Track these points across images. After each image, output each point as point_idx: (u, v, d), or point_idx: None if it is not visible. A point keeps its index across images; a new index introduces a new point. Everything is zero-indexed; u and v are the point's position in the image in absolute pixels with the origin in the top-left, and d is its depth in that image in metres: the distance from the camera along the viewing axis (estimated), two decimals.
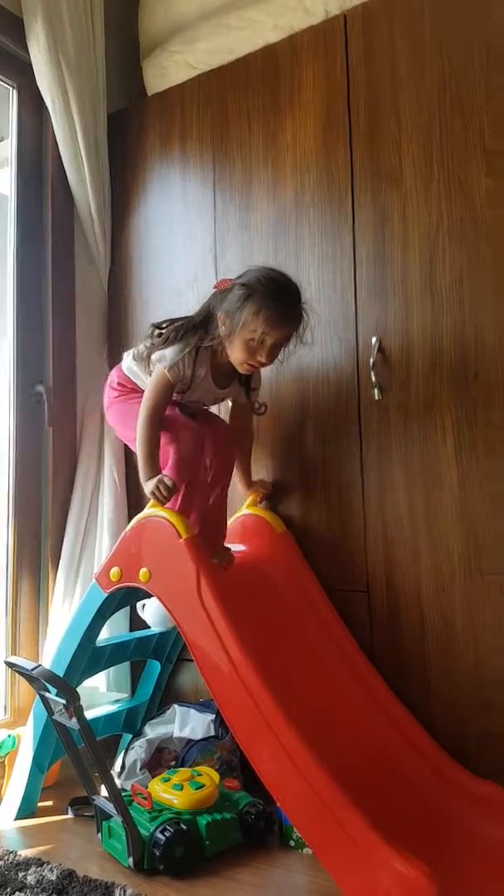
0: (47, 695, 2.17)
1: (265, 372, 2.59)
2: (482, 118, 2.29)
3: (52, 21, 2.86)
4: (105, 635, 2.60)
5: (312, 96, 2.64)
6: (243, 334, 2.23)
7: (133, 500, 2.93)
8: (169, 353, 2.32)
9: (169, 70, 3.07)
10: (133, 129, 3.17)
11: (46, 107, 2.95)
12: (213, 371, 2.38)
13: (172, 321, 2.40)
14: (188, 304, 2.88)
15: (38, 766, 2.41)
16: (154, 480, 2.28)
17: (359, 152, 2.52)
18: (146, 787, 2.13)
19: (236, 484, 2.62)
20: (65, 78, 2.90)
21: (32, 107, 3.02)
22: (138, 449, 2.34)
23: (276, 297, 2.23)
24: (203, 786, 2.11)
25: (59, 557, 2.86)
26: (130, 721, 2.71)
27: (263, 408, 2.56)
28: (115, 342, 3.15)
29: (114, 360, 3.10)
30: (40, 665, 2.15)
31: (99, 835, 2.13)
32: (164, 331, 2.37)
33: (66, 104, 2.92)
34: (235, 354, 2.29)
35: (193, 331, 2.34)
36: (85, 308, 3.13)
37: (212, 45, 2.94)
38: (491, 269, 2.26)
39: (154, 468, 2.32)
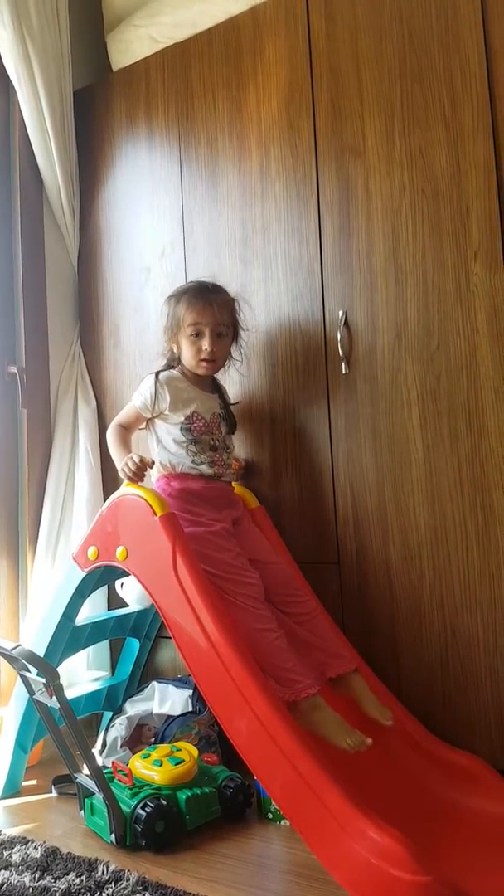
0: (28, 674, 2.18)
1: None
2: (441, 87, 2.29)
3: None
4: (84, 614, 2.61)
5: (276, 69, 2.62)
6: (184, 335, 2.42)
7: (108, 479, 2.95)
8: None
9: (133, 45, 3.05)
10: (99, 105, 3.14)
11: (13, 84, 2.92)
12: (188, 380, 2.47)
13: None
14: (156, 281, 2.88)
15: (21, 745, 2.43)
16: (123, 460, 2.35)
17: (322, 124, 2.51)
18: (127, 764, 2.16)
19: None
20: (30, 54, 2.86)
21: None
22: (110, 449, 2.48)
23: (192, 285, 2.49)
24: (182, 761, 2.13)
25: (36, 537, 2.87)
26: (111, 699, 2.73)
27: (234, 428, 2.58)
28: (86, 321, 3.14)
29: (85, 339, 3.10)
30: (20, 645, 2.16)
31: (82, 812, 2.16)
32: None
33: (32, 81, 2.88)
34: (187, 357, 2.43)
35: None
36: (55, 287, 3.12)
37: (175, 18, 2.91)
38: (452, 238, 2.26)
39: (123, 453, 2.42)
